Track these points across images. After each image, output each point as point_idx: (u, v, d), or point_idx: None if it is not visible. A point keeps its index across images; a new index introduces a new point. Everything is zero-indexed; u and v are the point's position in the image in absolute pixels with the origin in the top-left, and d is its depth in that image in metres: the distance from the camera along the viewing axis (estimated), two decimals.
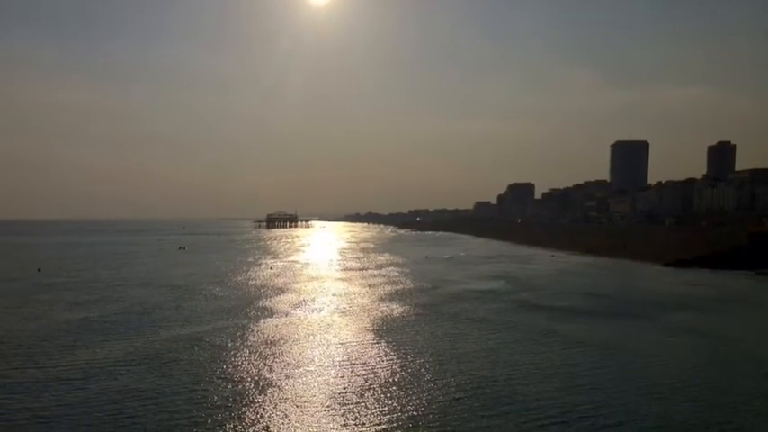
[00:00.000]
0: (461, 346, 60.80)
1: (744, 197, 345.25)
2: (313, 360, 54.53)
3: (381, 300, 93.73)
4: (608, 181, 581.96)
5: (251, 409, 40.64)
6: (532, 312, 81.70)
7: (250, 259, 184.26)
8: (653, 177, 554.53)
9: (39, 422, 37.87)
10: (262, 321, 73.82)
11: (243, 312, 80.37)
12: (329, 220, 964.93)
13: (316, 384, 46.80)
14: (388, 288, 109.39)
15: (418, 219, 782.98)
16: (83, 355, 55.72)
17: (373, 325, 71.82)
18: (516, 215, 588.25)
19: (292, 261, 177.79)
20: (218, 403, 41.92)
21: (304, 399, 43.18)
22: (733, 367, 53.73)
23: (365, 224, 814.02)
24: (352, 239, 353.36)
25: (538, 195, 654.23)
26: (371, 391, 45.16)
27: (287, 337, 64.59)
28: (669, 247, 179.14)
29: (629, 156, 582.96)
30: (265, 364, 52.77)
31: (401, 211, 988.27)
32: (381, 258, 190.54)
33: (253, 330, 68.04)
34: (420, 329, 68.99)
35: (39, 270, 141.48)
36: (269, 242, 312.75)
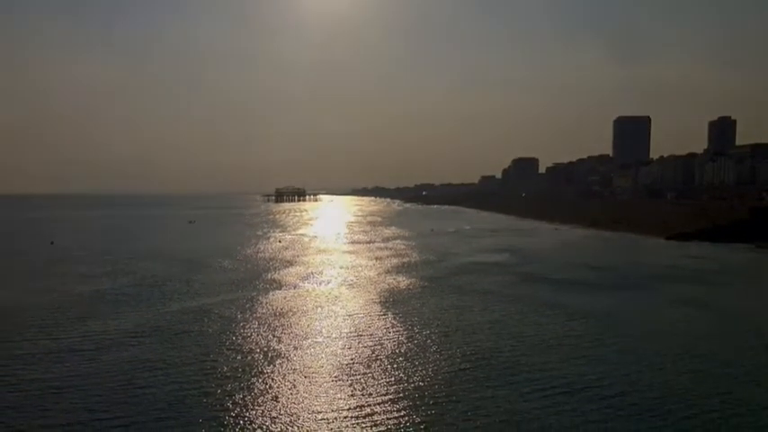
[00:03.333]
0: (467, 317, 61.46)
1: (744, 172, 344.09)
2: (321, 332, 55.27)
3: (388, 272, 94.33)
4: (610, 156, 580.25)
5: (260, 380, 41.37)
6: (536, 285, 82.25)
7: (259, 233, 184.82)
8: (655, 152, 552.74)
9: (51, 392, 38.67)
10: (270, 294, 74.54)
11: (252, 285, 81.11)
12: (337, 194, 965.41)
13: (323, 355, 47.52)
14: (395, 261, 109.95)
15: (424, 193, 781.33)
16: (94, 326, 56.55)
17: (380, 297, 72.47)
18: (521, 189, 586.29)
19: (300, 234, 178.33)
20: (228, 374, 42.66)
21: (312, 370, 43.89)
22: (734, 339, 54.26)
23: (372, 198, 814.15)
24: (360, 213, 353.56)
25: (542, 170, 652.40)
26: (378, 362, 45.87)
27: (295, 309, 65.30)
28: (671, 220, 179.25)
29: (632, 131, 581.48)
30: (274, 336, 53.51)
31: (407, 186, 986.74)
32: (388, 232, 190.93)
33: (261, 302, 68.77)
34: (426, 301, 69.65)
35: (51, 243, 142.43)
36: (277, 216, 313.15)
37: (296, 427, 33.33)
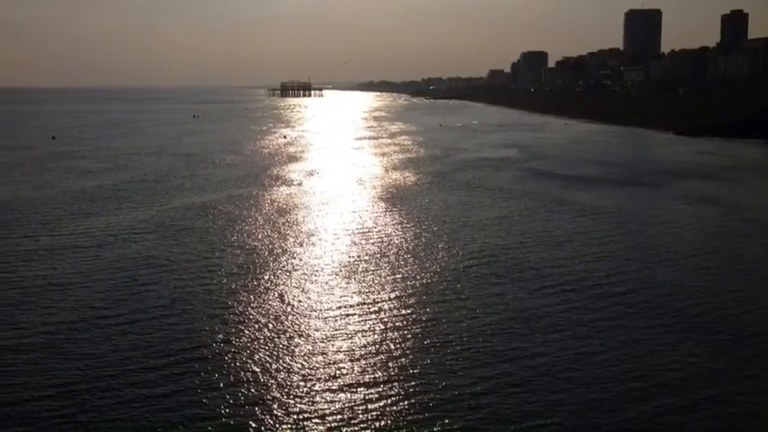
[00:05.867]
0: (474, 214, 60.68)
1: (757, 65, 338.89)
2: (326, 229, 54.60)
3: (394, 168, 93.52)
4: (621, 49, 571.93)
5: (264, 278, 40.76)
6: (545, 180, 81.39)
7: (263, 128, 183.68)
8: (666, 46, 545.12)
9: (53, 290, 38.10)
10: (275, 190, 73.87)
11: (256, 181, 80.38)
12: (343, 89, 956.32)
13: (329, 253, 46.87)
14: (401, 157, 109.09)
15: (432, 87, 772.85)
16: (97, 223, 55.91)
17: (386, 193, 71.75)
18: (530, 83, 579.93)
19: (305, 130, 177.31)
20: (233, 271, 42.07)
21: (317, 267, 43.28)
22: (745, 235, 53.56)
23: (378, 93, 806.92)
24: (366, 108, 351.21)
25: (551, 64, 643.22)
26: (385, 259, 45.20)
27: (300, 206, 64.68)
28: (682, 115, 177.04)
29: (643, 24, 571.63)
30: (279, 233, 52.87)
31: (414, 80, 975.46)
32: (394, 127, 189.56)
33: (266, 199, 68.10)
34: (433, 198, 68.87)
35: (53, 138, 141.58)
36: (282, 111, 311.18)
37: (301, 325, 32.82)
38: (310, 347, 30.13)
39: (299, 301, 36.36)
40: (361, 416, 24.13)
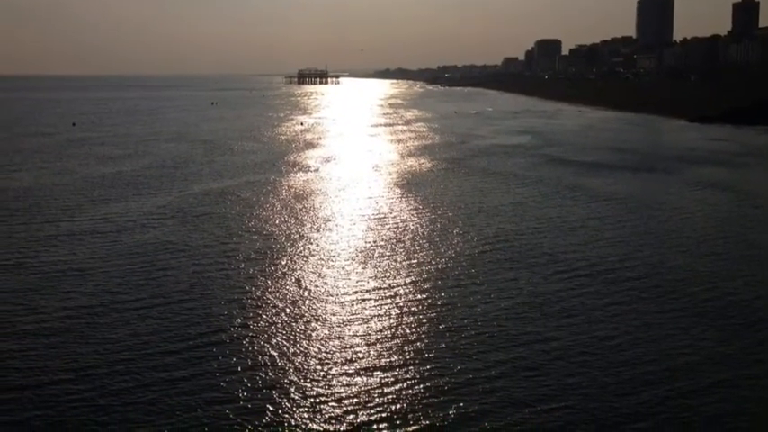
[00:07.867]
0: (489, 200, 60.94)
1: None
2: (343, 214, 54.97)
3: (410, 155, 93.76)
4: (634, 37, 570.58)
5: (282, 263, 41.15)
6: (559, 167, 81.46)
7: (281, 115, 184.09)
8: (678, 34, 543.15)
9: (73, 274, 38.66)
10: (292, 176, 74.27)
11: (274, 167, 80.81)
12: (359, 77, 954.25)
13: (346, 238, 47.24)
14: (417, 143, 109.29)
15: (447, 75, 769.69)
16: (116, 208, 56.49)
17: (402, 179, 72.05)
18: (544, 71, 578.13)
19: (322, 117, 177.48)
20: (251, 256, 42.51)
21: (334, 252, 43.66)
22: (756, 221, 53.63)
23: (394, 80, 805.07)
24: (382, 95, 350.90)
25: (565, 51, 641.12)
26: (401, 244, 45.54)
27: (317, 192, 65.06)
28: (694, 102, 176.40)
29: (655, 12, 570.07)
30: (296, 219, 53.27)
31: (430, 67, 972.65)
32: (410, 114, 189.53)
33: (283, 185, 68.51)
34: (448, 184, 69.13)
35: (73, 125, 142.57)
36: (299, 98, 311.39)
37: (318, 310, 33.25)
38: (327, 332, 30.56)
39: (316, 286, 36.80)
40: (377, 399, 24.54)
